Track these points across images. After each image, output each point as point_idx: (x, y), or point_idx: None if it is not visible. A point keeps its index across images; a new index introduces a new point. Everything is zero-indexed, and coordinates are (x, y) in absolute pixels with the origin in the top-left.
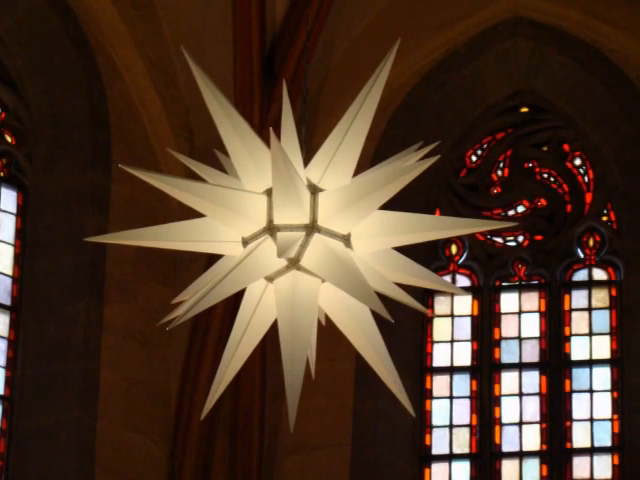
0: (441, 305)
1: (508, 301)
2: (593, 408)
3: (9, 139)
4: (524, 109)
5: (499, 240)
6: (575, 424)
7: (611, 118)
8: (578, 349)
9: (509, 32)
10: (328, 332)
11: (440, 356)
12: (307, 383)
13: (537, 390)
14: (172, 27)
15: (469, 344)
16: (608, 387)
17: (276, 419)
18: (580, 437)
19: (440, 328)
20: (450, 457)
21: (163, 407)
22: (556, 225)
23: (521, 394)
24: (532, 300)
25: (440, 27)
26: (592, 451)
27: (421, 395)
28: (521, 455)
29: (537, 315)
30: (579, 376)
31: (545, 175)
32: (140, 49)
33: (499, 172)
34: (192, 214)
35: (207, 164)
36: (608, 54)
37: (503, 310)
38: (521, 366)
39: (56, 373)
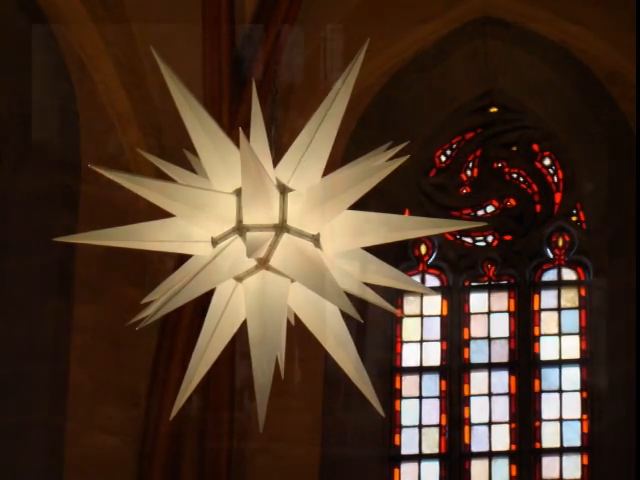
0: (410, 305)
1: (477, 301)
2: (562, 408)
3: None
4: (493, 109)
5: (468, 240)
6: (544, 424)
7: (580, 118)
8: (547, 349)
9: (478, 32)
10: (297, 332)
11: (409, 356)
12: (276, 383)
13: (506, 390)
14: (141, 27)
15: (438, 344)
16: (577, 387)
17: (245, 419)
18: (549, 437)
19: (409, 328)
20: (419, 457)
21: (132, 407)
22: (525, 225)
23: (490, 394)
24: (501, 300)
25: (409, 27)
26: (561, 451)
27: (390, 395)
28: (490, 455)
29: (506, 315)
30: (548, 376)
31: (514, 175)
32: (109, 49)
33: (468, 172)
34: (161, 214)
35: (176, 164)
36: (577, 54)
37: (472, 310)
38: (490, 366)
39: (25, 373)
